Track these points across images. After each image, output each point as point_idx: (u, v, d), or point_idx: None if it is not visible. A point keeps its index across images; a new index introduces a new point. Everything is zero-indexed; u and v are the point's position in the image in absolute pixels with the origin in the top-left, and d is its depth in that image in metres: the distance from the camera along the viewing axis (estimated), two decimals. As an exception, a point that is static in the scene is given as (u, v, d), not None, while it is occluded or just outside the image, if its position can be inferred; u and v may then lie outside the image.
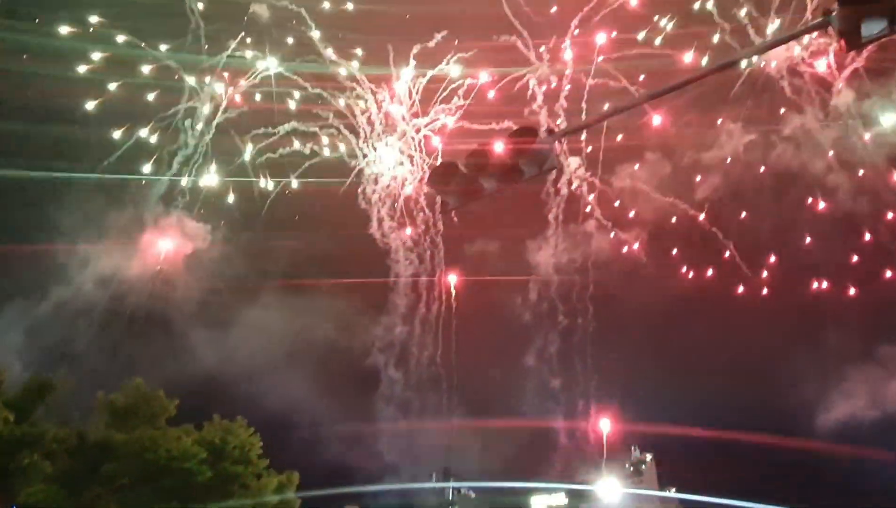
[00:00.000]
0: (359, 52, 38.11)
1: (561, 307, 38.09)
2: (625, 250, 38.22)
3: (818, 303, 35.55)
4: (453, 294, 37.81)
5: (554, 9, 35.28)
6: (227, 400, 33.96)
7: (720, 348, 34.28)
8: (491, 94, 36.29)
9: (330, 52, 37.04)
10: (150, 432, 30.72)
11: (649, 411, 35.45)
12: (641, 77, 34.78)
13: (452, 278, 38.09)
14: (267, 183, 37.68)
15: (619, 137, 36.67)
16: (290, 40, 37.52)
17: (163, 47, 36.10)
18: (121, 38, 35.44)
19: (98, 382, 32.12)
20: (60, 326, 35.13)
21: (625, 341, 36.57)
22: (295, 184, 37.80)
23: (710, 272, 35.87)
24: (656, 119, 35.11)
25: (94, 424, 31.21)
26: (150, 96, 37.41)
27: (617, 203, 38.20)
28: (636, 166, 37.49)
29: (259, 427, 33.21)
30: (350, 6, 36.82)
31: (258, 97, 37.72)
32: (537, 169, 14.22)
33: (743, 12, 32.87)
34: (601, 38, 33.98)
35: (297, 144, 38.15)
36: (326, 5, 36.55)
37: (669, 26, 34.66)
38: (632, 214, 38.00)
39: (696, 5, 34.73)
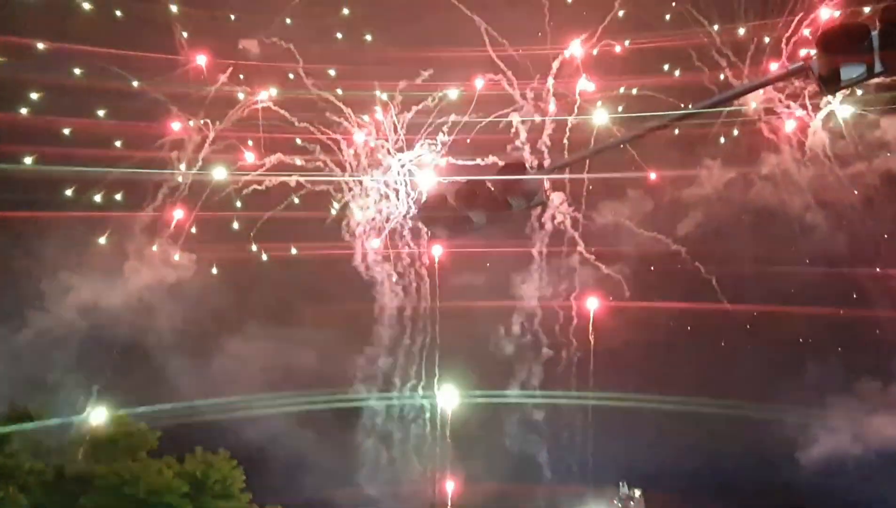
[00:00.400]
0: (339, 90, 38.47)
1: (545, 340, 38.18)
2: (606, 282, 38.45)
3: (800, 335, 35.97)
4: (436, 327, 37.80)
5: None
6: (211, 432, 33.49)
7: (708, 382, 34.44)
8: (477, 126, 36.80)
9: (314, 86, 37.40)
10: (130, 465, 30.24)
11: (638, 445, 35.36)
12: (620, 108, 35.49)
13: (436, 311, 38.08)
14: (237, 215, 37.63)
15: (602, 174, 37.17)
16: (278, 74, 37.82)
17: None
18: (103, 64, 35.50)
19: (77, 413, 31.62)
20: (38, 355, 34.69)
21: (611, 374, 36.62)
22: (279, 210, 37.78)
23: (693, 305, 36.16)
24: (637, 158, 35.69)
25: (73, 456, 30.67)
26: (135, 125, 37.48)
27: (599, 238, 38.58)
28: (618, 200, 38.03)
29: (242, 460, 32.76)
30: (339, 36, 37.40)
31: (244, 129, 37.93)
32: (525, 203, 14.50)
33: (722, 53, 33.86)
34: (583, 82, 34.65)
35: (282, 178, 38.26)
36: (315, 43, 37.07)
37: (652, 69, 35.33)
38: (615, 247, 38.36)
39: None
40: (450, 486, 36.34)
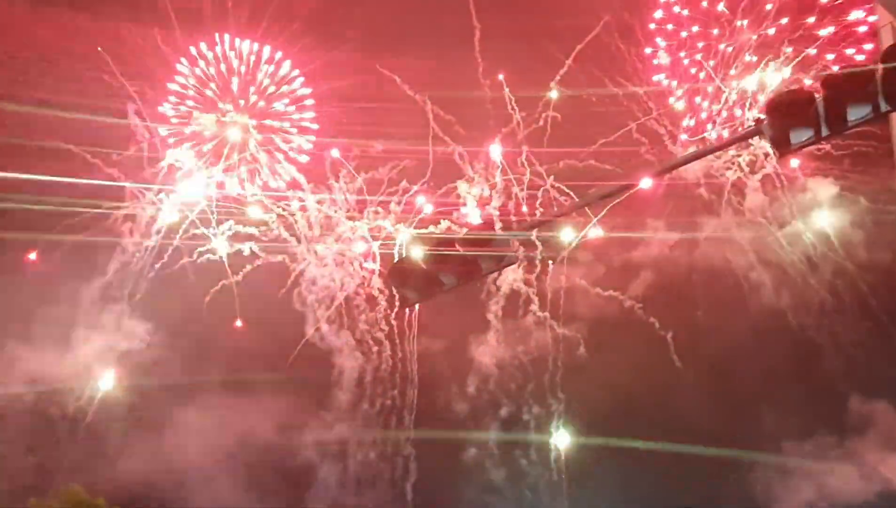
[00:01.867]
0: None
1: (504, 401, 38.23)
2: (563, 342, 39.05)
3: (756, 388, 36.83)
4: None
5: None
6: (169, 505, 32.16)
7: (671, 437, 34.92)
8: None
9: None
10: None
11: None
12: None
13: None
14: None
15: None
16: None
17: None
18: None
19: (28, 488, 30.01)
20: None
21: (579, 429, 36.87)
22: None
23: (649, 360, 36.95)
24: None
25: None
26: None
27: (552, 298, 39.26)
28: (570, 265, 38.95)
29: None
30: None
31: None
32: (495, 265, 14.84)
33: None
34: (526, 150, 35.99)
35: (236, 246, 38.07)
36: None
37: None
38: (570, 309, 39.05)
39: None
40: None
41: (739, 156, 36.39)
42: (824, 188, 36.95)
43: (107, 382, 35.35)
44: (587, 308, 39.10)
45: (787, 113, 11.41)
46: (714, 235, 38.48)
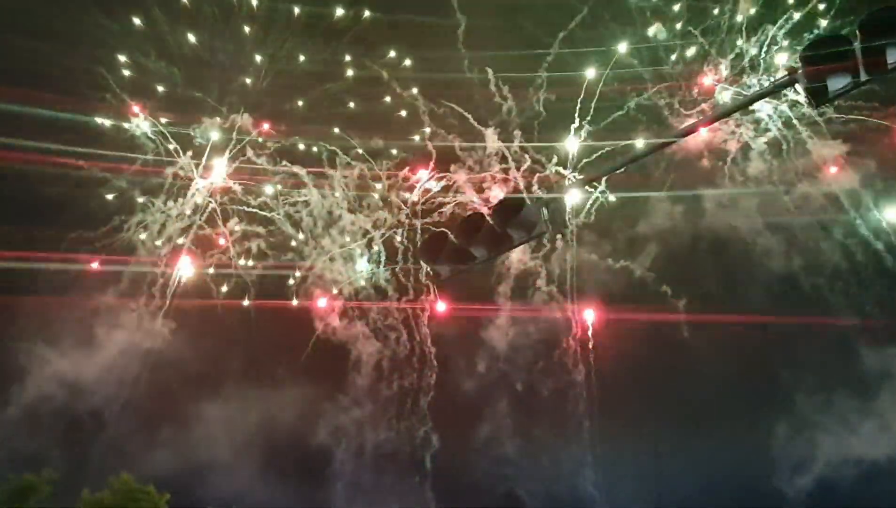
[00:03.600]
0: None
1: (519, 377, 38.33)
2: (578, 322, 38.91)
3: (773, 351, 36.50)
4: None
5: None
6: (222, 492, 32.68)
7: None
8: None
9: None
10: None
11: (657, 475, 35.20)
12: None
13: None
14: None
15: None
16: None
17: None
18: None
19: (81, 479, 30.58)
20: (35, 422, 33.83)
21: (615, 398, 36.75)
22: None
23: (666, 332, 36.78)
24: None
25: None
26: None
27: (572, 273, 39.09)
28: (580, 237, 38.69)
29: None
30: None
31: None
32: (526, 235, 14.64)
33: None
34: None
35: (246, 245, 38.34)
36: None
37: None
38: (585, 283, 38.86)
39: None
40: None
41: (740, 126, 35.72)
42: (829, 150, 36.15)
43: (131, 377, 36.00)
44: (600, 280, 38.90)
45: (823, 60, 11.08)
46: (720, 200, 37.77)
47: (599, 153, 34.75)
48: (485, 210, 14.59)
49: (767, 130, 35.27)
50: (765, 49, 33.12)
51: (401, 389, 37.83)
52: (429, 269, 36.76)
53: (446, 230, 14.47)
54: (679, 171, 37.26)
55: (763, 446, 34.63)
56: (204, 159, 36.59)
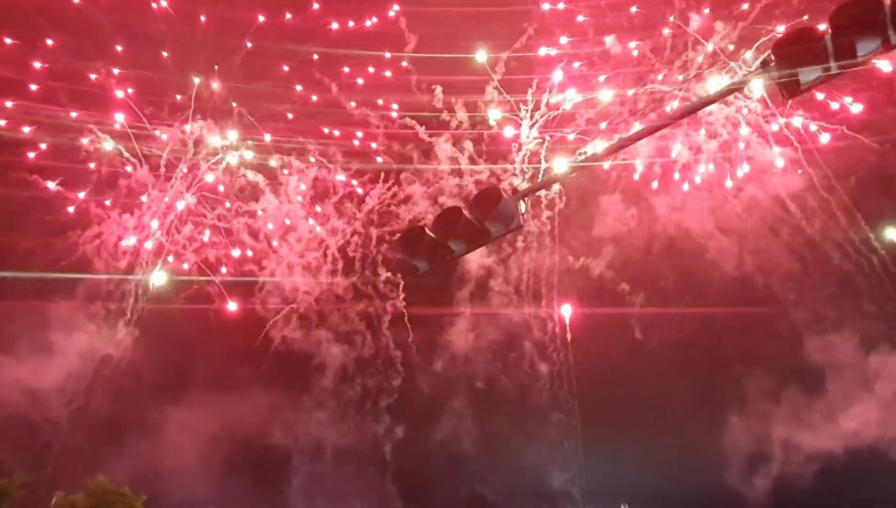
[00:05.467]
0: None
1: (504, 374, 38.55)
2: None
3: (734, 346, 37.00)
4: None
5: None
6: (200, 493, 32.38)
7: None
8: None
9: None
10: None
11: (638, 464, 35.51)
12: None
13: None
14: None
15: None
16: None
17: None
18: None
19: (55, 481, 30.19)
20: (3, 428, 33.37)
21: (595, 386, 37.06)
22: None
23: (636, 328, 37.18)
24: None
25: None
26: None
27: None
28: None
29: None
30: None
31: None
32: (504, 228, 14.60)
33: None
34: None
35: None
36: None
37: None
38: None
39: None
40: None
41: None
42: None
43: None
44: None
45: (795, 53, 11.18)
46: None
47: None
48: (461, 203, 14.57)
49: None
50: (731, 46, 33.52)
51: (363, 390, 37.95)
52: (389, 274, 37.43)
53: (423, 225, 14.40)
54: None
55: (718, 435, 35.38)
56: (162, 170, 36.41)
